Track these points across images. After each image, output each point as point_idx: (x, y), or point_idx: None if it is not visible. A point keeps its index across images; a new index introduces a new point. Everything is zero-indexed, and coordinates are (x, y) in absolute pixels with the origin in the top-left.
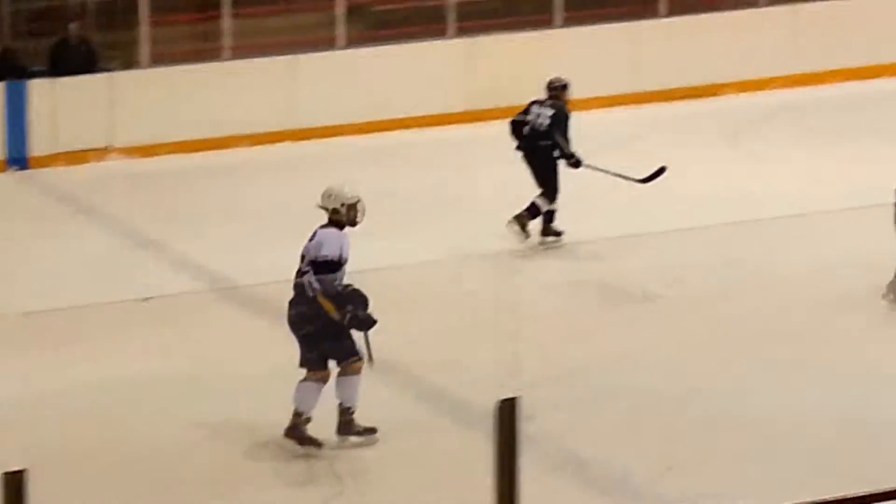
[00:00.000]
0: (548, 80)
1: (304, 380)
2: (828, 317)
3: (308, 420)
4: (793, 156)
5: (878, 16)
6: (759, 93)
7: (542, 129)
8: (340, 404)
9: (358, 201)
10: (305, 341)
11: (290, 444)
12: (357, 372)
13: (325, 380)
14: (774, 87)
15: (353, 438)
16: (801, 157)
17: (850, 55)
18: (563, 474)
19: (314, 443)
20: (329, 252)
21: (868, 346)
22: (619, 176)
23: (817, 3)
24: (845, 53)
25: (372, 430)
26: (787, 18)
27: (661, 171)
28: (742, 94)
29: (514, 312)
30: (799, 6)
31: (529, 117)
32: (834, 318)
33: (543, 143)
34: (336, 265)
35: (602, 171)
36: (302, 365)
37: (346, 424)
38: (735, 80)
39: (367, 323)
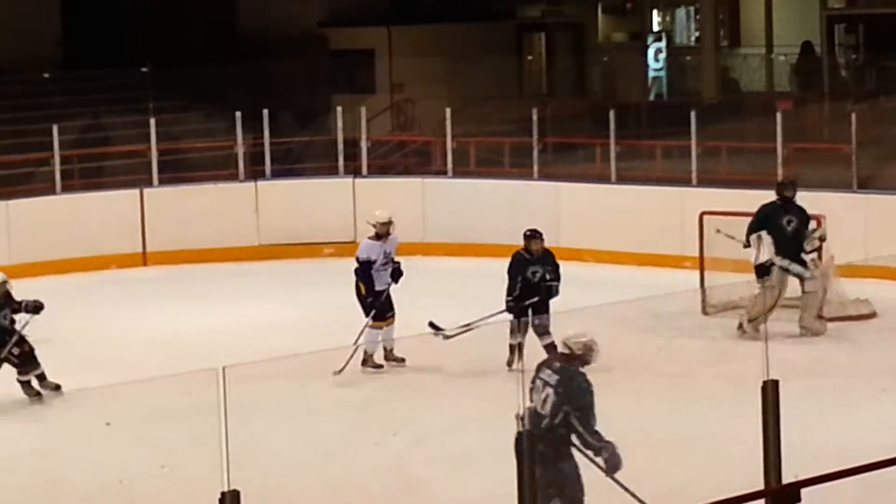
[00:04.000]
0: None
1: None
2: None
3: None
4: None
5: None
6: None
7: None
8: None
9: (386, 221)
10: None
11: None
12: (391, 324)
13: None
14: None
15: (392, 363)
16: None
17: None
18: None
19: (378, 366)
20: (360, 254)
21: None
22: None
23: None
24: None
25: (402, 360)
26: None
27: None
28: None
29: None
30: None
31: None
32: None
33: None
34: (367, 263)
35: None
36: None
37: (390, 355)
38: None
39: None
